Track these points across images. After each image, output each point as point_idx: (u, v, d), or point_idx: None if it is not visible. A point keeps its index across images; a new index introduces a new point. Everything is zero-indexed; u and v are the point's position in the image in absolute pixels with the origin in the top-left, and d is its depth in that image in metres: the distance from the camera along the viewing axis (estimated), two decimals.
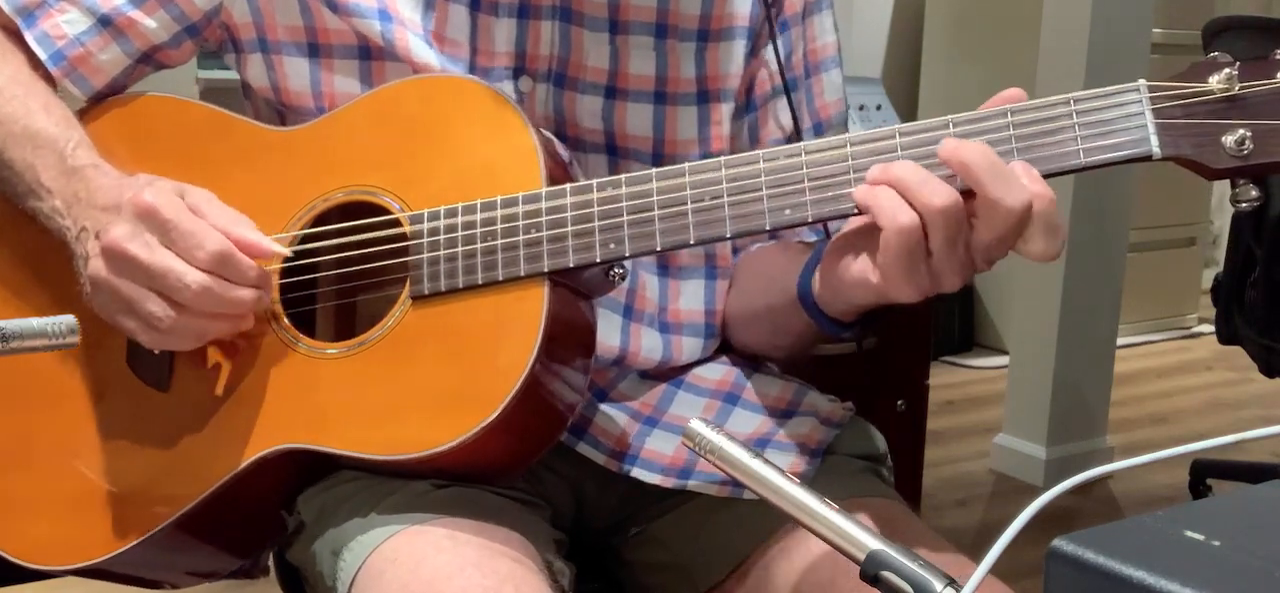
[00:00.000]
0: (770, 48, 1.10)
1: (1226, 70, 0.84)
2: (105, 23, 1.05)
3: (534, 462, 1.00)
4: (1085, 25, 2.93)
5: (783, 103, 1.11)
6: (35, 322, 0.80)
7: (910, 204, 0.83)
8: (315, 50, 1.04)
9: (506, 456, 0.97)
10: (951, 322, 4.22)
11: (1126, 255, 3.23)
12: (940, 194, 0.82)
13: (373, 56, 1.03)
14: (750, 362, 1.13)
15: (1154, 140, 0.84)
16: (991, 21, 4.18)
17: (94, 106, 1.09)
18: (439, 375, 0.93)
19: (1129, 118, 0.85)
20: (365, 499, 0.96)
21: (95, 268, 0.93)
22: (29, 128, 1.00)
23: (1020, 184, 0.83)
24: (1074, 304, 3.10)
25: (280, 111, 1.07)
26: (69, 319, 0.81)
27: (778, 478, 0.73)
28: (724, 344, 1.14)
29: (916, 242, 0.83)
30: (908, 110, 4.26)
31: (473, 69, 1.03)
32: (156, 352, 0.97)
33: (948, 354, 4.20)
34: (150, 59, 1.09)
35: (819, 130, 1.12)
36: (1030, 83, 3.10)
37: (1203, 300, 4.54)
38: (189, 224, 0.91)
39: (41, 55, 1.05)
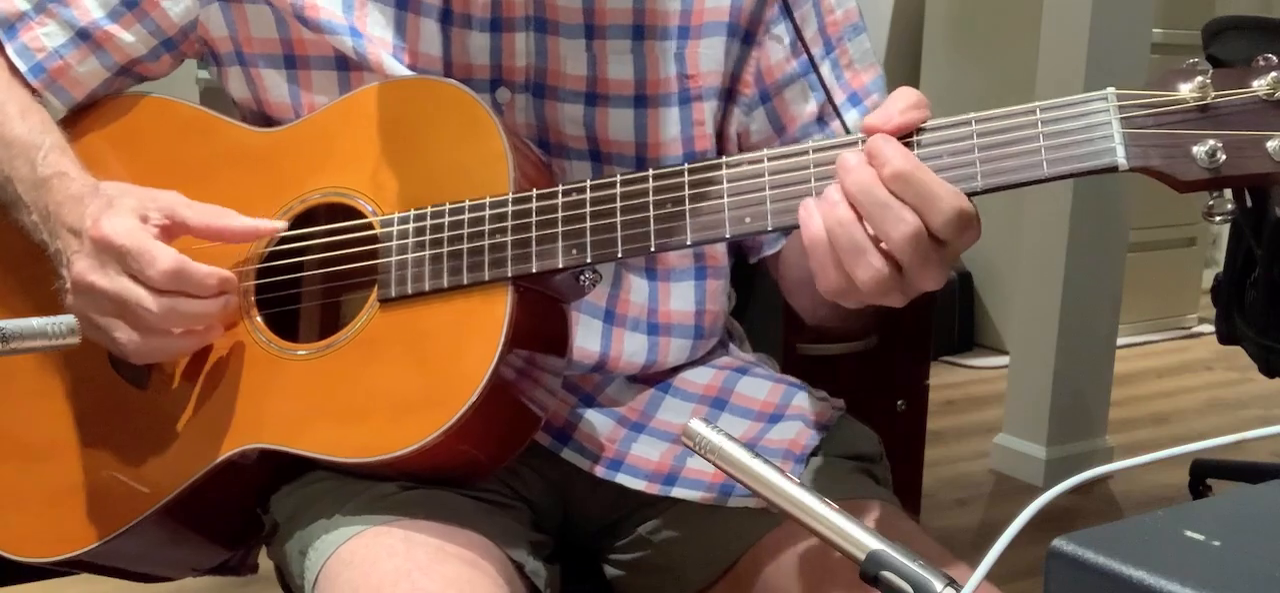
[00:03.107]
0: (780, 29, 1.06)
1: (1199, 79, 0.80)
2: (84, 36, 1.06)
3: (508, 462, 1.01)
4: (1085, 25, 2.93)
5: (799, 87, 1.07)
6: (35, 322, 0.80)
7: (874, 239, 0.81)
8: (292, 62, 1.04)
9: (475, 458, 0.97)
10: (951, 322, 4.22)
11: (1126, 255, 3.22)
12: (903, 224, 0.81)
13: (351, 68, 1.03)
14: (739, 366, 1.13)
15: (1120, 151, 0.81)
16: (991, 21, 4.17)
17: (84, 110, 1.09)
18: (404, 379, 0.94)
19: (1095, 127, 0.81)
20: (332, 502, 0.97)
21: (70, 301, 0.95)
22: (3, 135, 1.01)
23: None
24: (1074, 304, 3.10)
25: (267, 121, 1.07)
26: (69, 319, 0.82)
27: (778, 478, 0.73)
28: (713, 349, 1.13)
29: (854, 239, 0.81)
30: None
31: None
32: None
33: (948, 354, 4.20)
34: (129, 72, 1.09)
35: (855, 102, 1.07)
36: (1030, 83, 3.10)
37: (1203, 300, 4.53)
38: (142, 246, 0.92)
39: (21, 67, 1.06)
